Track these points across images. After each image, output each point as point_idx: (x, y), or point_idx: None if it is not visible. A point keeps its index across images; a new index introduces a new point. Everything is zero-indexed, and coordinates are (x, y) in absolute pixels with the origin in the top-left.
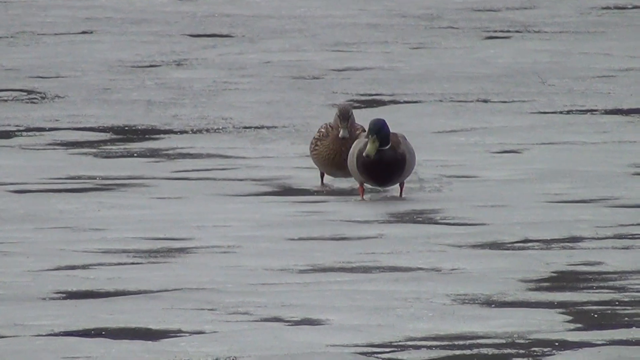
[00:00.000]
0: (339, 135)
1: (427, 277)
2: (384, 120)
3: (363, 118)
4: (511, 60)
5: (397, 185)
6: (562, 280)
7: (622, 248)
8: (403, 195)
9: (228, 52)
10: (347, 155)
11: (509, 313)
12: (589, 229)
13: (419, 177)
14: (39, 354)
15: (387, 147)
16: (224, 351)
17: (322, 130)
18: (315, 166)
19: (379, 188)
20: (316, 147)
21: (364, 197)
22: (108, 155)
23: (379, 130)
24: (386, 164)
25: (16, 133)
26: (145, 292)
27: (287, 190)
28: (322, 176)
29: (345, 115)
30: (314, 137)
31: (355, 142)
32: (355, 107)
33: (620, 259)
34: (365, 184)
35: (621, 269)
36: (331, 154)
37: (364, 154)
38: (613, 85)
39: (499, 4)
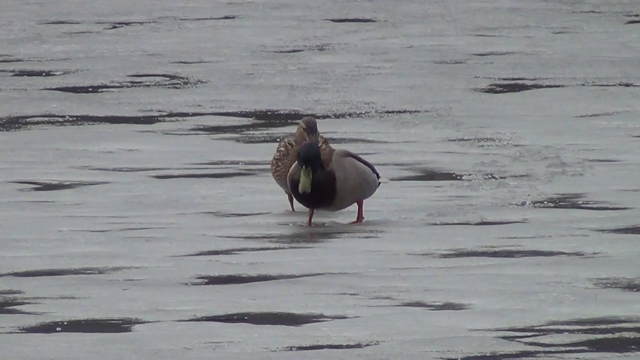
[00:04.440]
0: None
1: (569, 262)
2: (310, 144)
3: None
4: None
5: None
6: None
7: None
8: (363, 220)
9: (370, 36)
10: None
11: None
12: None
13: (561, 162)
14: (181, 339)
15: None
16: (366, 336)
17: (282, 149)
18: (281, 189)
19: (318, 210)
20: (278, 168)
21: (311, 222)
22: (251, 140)
23: (308, 158)
24: (315, 187)
25: (159, 118)
26: (288, 277)
27: (429, 175)
28: (290, 200)
29: (312, 128)
30: (274, 157)
31: (293, 165)
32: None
33: None
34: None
35: None
36: None
37: (299, 191)
38: None
39: None
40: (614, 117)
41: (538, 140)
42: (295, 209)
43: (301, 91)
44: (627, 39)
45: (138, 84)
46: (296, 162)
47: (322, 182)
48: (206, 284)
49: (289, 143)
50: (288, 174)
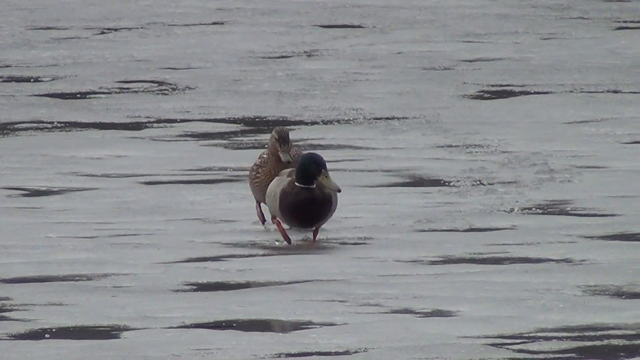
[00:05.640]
0: (282, 160)
1: (557, 269)
2: (315, 154)
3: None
4: None
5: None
6: None
7: None
8: (316, 240)
9: (359, 42)
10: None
11: (639, 304)
12: None
13: (549, 168)
14: (169, 346)
15: (314, 186)
16: (355, 343)
17: (264, 156)
18: (255, 196)
19: (299, 229)
20: (257, 175)
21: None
22: (239, 147)
23: (325, 164)
24: (317, 203)
25: (147, 124)
26: (276, 284)
27: (417, 181)
28: (258, 208)
29: (284, 139)
30: (255, 164)
31: (274, 180)
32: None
33: None
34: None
35: None
36: (271, 181)
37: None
38: None
39: None
40: (602, 123)
41: (526, 146)
42: (265, 221)
43: (289, 97)
44: (615, 45)
45: (126, 90)
46: (278, 179)
47: (320, 202)
48: (195, 290)
49: (268, 153)
50: (274, 193)
